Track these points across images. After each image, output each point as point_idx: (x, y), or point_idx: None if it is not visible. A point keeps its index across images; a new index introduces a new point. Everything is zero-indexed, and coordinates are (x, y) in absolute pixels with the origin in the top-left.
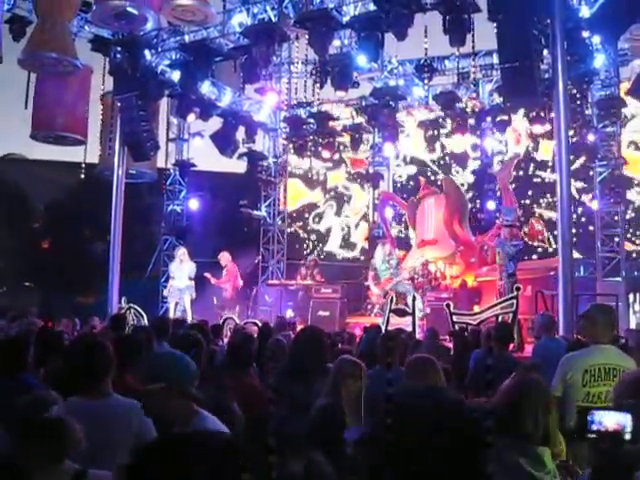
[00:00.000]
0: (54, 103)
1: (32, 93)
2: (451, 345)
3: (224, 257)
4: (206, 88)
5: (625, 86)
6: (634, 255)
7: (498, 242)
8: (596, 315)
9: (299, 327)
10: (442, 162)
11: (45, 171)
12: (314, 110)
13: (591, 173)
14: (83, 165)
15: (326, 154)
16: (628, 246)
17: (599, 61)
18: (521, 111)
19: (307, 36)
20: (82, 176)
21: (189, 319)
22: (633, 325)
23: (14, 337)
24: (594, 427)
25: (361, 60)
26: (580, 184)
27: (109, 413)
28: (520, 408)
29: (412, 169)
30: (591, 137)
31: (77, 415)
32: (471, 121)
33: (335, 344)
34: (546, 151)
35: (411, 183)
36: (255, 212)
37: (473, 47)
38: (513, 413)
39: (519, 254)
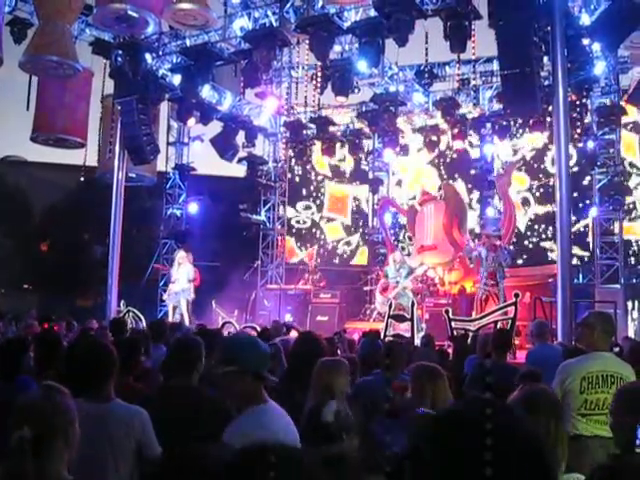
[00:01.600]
0: (55, 105)
1: (33, 95)
2: (450, 350)
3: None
4: (206, 92)
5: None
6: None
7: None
8: (594, 322)
9: (295, 331)
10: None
11: (45, 173)
12: (314, 115)
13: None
14: (83, 168)
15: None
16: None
17: (599, 68)
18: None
19: (308, 41)
20: (82, 179)
21: (187, 322)
22: (631, 333)
23: (10, 340)
24: None
25: (362, 65)
26: None
27: (110, 418)
28: (535, 421)
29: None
30: (590, 144)
31: (79, 418)
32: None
33: (334, 352)
34: None
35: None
36: (254, 216)
37: (473, 54)
38: None
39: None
